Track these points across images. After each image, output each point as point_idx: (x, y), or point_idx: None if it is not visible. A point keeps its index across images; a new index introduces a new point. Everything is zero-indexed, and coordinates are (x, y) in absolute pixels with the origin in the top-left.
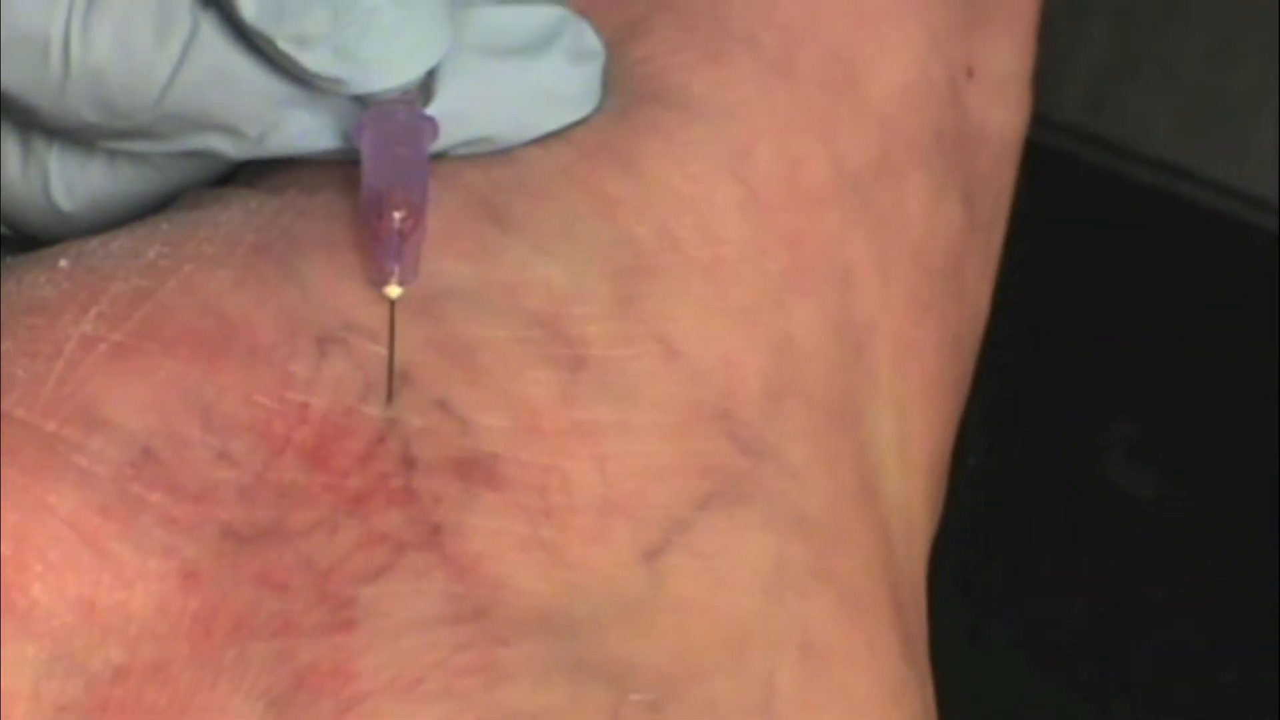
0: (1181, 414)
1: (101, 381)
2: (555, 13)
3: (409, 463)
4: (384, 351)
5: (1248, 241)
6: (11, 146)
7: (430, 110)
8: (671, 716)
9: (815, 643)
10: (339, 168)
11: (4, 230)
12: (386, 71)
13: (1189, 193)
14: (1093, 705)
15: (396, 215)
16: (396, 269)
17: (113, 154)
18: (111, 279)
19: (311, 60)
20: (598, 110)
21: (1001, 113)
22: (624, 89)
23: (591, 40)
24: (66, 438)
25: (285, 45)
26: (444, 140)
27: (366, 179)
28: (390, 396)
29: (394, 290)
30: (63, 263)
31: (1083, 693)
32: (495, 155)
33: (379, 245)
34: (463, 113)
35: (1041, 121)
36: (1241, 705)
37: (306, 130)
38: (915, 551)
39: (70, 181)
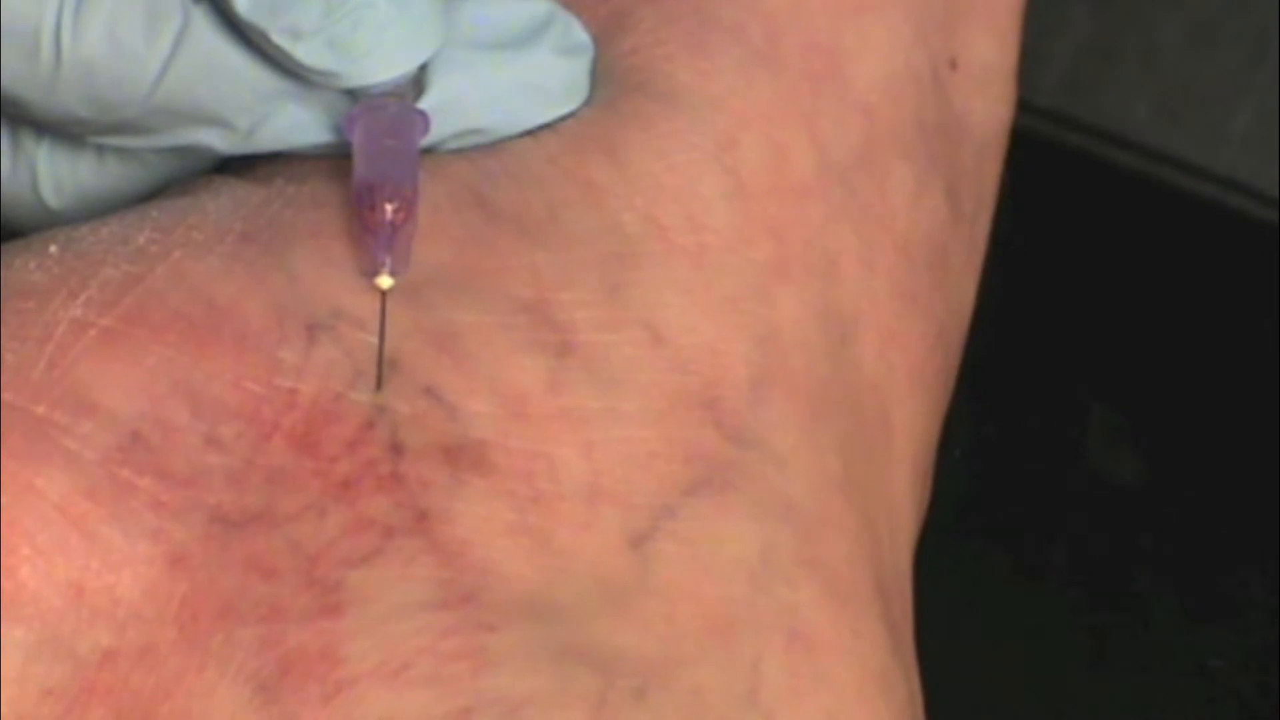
0: (1162, 399)
1: (91, 366)
2: (544, 7)
3: (397, 449)
4: (372, 339)
5: (1227, 226)
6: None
7: (421, 104)
8: (657, 703)
9: (801, 630)
10: (326, 158)
11: None
12: (379, 65)
13: (1168, 177)
14: (1078, 692)
15: (388, 207)
16: (388, 260)
17: (101, 151)
18: (101, 264)
19: (305, 53)
20: (586, 103)
21: (985, 105)
22: (611, 81)
23: (579, 34)
24: (56, 421)
25: (278, 38)
26: (435, 133)
27: (358, 171)
28: (379, 384)
29: (385, 281)
30: (53, 248)
31: (1068, 679)
32: (484, 147)
33: (370, 237)
34: (454, 106)
35: (1020, 105)
36: (1228, 692)
37: (297, 124)
38: (900, 541)
39: (58, 178)
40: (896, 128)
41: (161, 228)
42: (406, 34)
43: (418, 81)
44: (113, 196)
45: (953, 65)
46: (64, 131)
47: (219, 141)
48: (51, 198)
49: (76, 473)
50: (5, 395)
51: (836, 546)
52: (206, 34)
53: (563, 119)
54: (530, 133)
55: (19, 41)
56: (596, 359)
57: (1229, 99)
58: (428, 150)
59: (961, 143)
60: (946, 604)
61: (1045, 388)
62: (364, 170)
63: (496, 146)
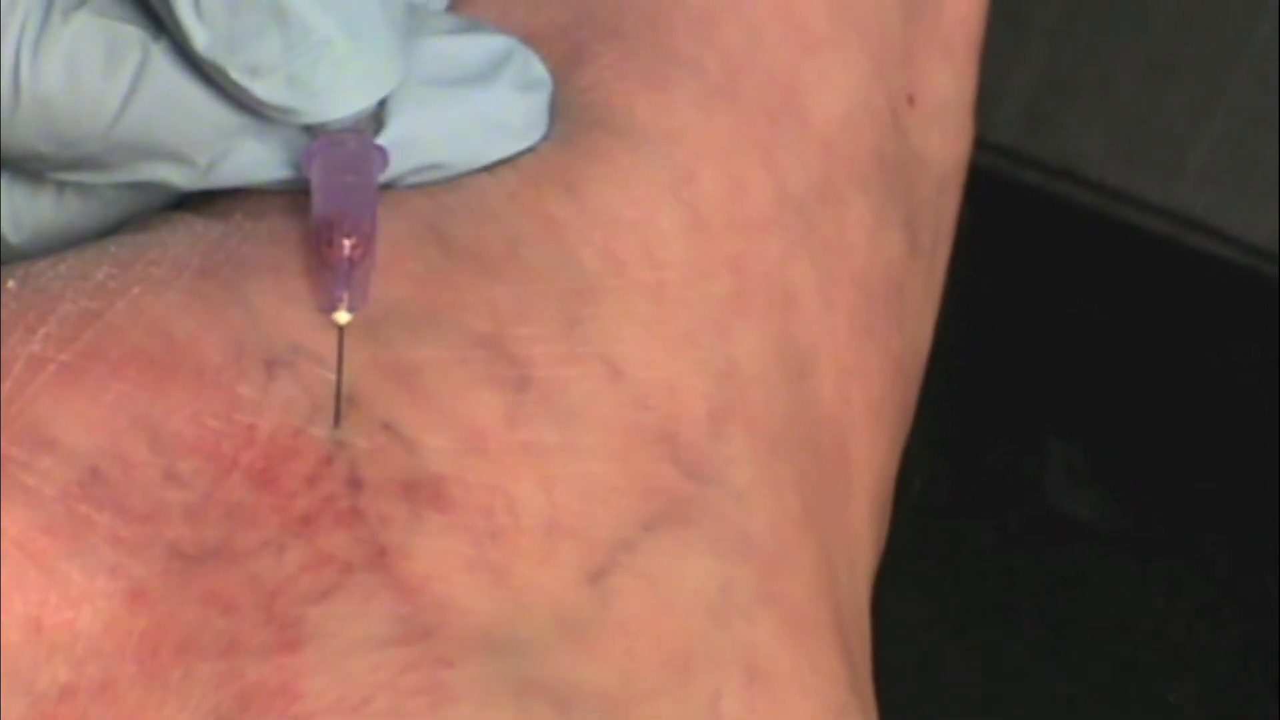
0: (1120, 434)
1: (49, 402)
2: (503, 43)
3: (356, 484)
4: (331, 374)
5: (1183, 262)
6: None
7: (380, 139)
8: None
9: (760, 666)
10: (285, 194)
11: None
12: (338, 101)
13: (1124, 214)
14: None
15: (347, 243)
16: (346, 295)
17: (60, 186)
18: (60, 300)
19: (263, 90)
20: (545, 138)
21: (942, 140)
22: (570, 116)
23: (538, 70)
24: (14, 457)
25: (237, 75)
26: (394, 169)
27: (316, 207)
28: (337, 419)
29: (343, 316)
30: (10, 283)
31: (1029, 716)
32: (443, 182)
33: (329, 272)
34: (412, 141)
35: (977, 142)
36: None
37: (256, 160)
38: (859, 576)
39: (17, 214)
40: (855, 162)
41: (120, 263)
42: (365, 70)
43: (377, 117)
44: (72, 232)
45: (910, 100)
46: (23, 167)
47: (178, 177)
48: (10, 233)
49: (35, 508)
50: None
51: (795, 581)
52: (166, 70)
53: (522, 154)
54: (489, 168)
55: None
56: (555, 394)
57: (1185, 134)
58: (386, 186)
59: (920, 177)
60: (906, 638)
61: (1003, 423)
62: (322, 206)
63: (455, 182)
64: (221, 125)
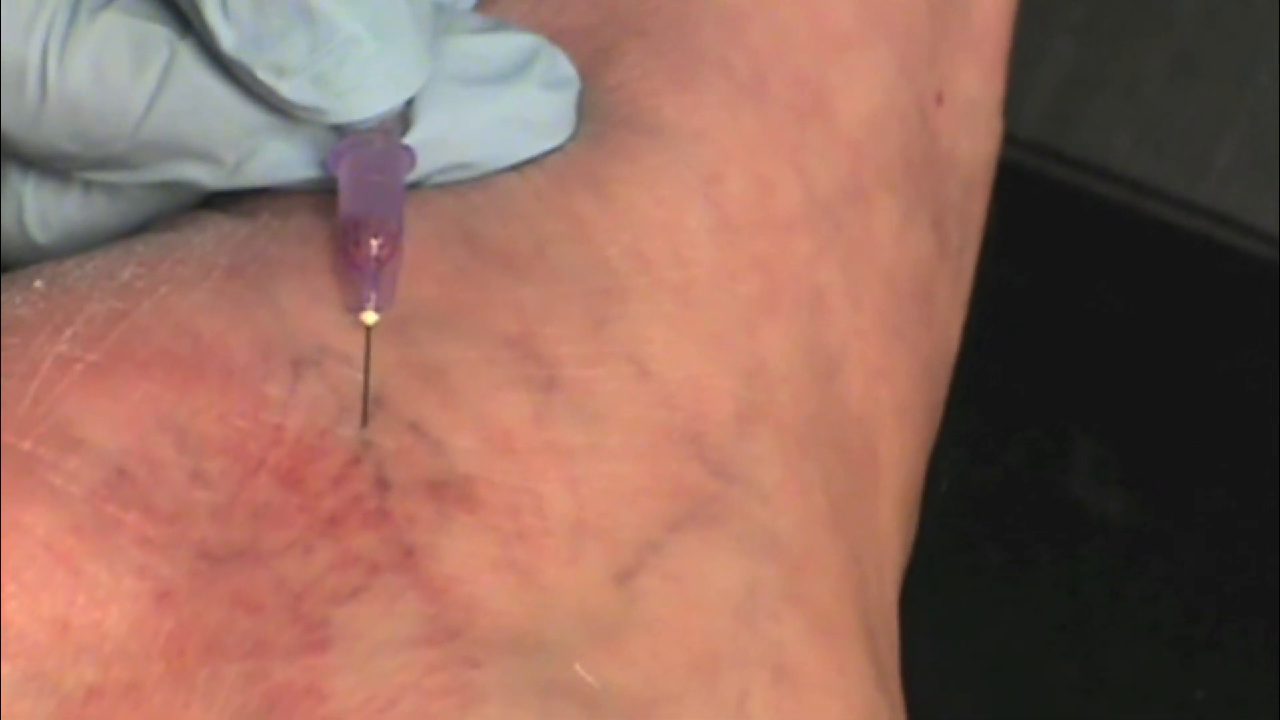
0: (1148, 431)
1: (77, 402)
2: (530, 42)
3: (383, 484)
4: (358, 374)
5: (1211, 258)
6: None
7: (407, 139)
8: None
9: (787, 666)
10: (311, 193)
11: None
12: (365, 101)
13: (1152, 208)
14: None
15: (374, 243)
16: (373, 296)
17: (88, 186)
18: (87, 300)
19: (290, 90)
20: (572, 137)
21: (970, 139)
22: (597, 115)
23: (566, 68)
24: (41, 457)
25: (264, 74)
26: (421, 168)
27: (343, 206)
28: (365, 419)
29: (370, 316)
30: (38, 283)
31: (1054, 713)
32: (470, 182)
33: (356, 272)
34: (440, 141)
35: (1004, 137)
36: None
37: (283, 159)
38: (887, 576)
39: (45, 213)
40: (882, 162)
41: (147, 263)
42: (392, 70)
43: (404, 117)
44: (99, 232)
45: (939, 99)
46: (50, 167)
47: (205, 176)
48: (38, 233)
49: (62, 509)
50: None
51: (822, 582)
52: (193, 69)
53: (549, 153)
54: (516, 167)
55: (4, 77)
56: (582, 394)
57: (1212, 130)
58: (413, 186)
59: (947, 177)
60: (933, 639)
61: (1031, 421)
62: (349, 206)
63: (483, 181)
64: (248, 124)
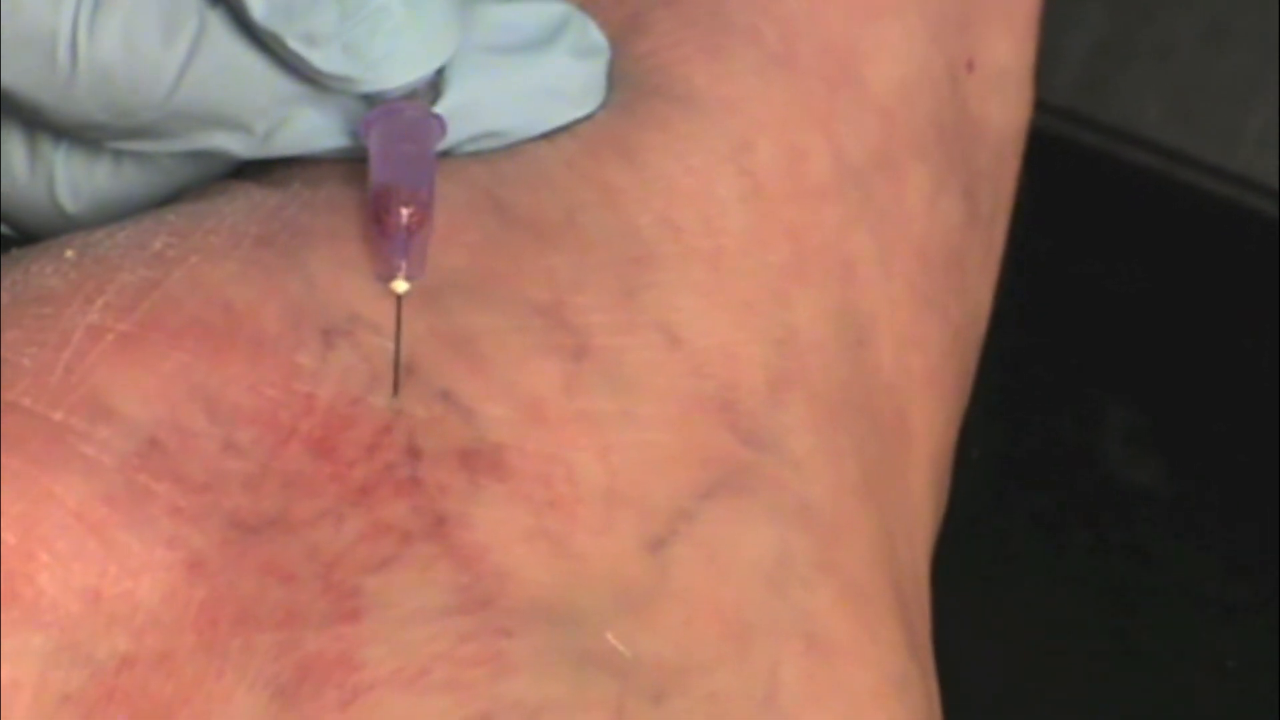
0: (1181, 400)
1: (108, 371)
2: (560, 10)
3: (414, 453)
4: (389, 343)
5: (1243, 225)
6: (17, 147)
7: (437, 107)
8: (675, 708)
9: (818, 635)
10: (342, 162)
11: (5, 230)
12: (396, 70)
13: (1183, 176)
14: (1096, 693)
15: (404, 211)
16: (404, 264)
17: (118, 155)
18: (118, 269)
19: (321, 59)
20: (603, 105)
21: (1001, 107)
22: (628, 84)
23: (596, 37)
24: (73, 427)
25: (294, 44)
26: (451, 137)
27: (374, 175)
28: (396, 388)
29: (401, 285)
30: (69, 253)
31: (1086, 681)
32: (501, 150)
33: (386, 241)
34: (470, 109)
35: (1035, 104)
36: (1243, 694)
37: (314, 128)
38: (918, 544)
39: (75, 183)
40: (913, 130)
41: (178, 232)
42: (422, 38)
43: (434, 85)
44: (129, 201)
45: (970, 67)
46: (81, 136)
47: (235, 146)
48: (68, 202)
49: (94, 479)
50: (23, 401)
51: (854, 550)
52: (223, 38)
53: (579, 122)
54: (547, 136)
55: (35, 47)
56: (612, 362)
57: (1244, 98)
58: (444, 154)
59: (978, 144)
60: (964, 607)
61: (1063, 389)
62: (380, 174)
63: (513, 150)
64: (279, 93)
